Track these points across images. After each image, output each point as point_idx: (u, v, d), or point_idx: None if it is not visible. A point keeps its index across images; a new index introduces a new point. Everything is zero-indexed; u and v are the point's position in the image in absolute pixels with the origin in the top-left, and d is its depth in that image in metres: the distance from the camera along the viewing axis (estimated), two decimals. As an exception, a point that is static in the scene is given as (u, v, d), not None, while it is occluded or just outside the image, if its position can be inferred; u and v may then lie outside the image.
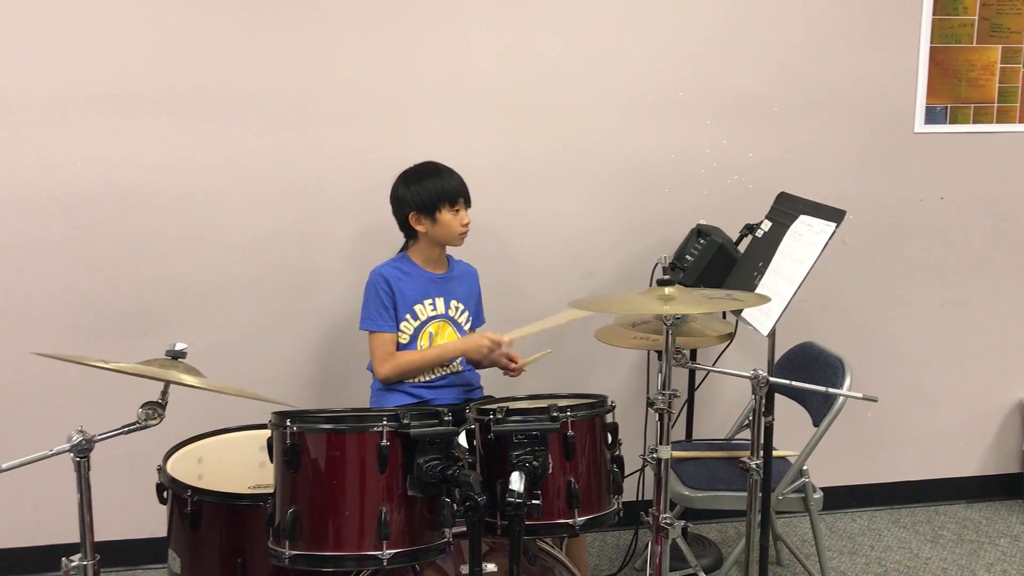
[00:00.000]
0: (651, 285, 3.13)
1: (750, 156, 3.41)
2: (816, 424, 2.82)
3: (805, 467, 2.84)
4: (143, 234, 3.07)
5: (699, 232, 3.11)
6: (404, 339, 2.74)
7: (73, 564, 1.85)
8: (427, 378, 2.77)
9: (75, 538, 1.87)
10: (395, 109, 3.15)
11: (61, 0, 2.91)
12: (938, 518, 3.69)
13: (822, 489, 2.90)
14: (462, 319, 2.83)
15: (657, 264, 3.10)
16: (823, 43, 3.39)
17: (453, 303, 2.81)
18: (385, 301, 2.71)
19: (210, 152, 3.06)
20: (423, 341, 2.76)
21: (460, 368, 2.83)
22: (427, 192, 2.70)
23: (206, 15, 3.00)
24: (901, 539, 3.51)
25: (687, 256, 3.07)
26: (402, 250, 2.84)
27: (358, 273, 3.08)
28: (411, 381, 2.76)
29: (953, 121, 3.52)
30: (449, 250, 2.86)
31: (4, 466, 1.78)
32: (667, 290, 2.22)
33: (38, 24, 2.91)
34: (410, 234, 2.79)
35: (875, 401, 2.26)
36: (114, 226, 3.05)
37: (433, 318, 2.76)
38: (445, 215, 2.71)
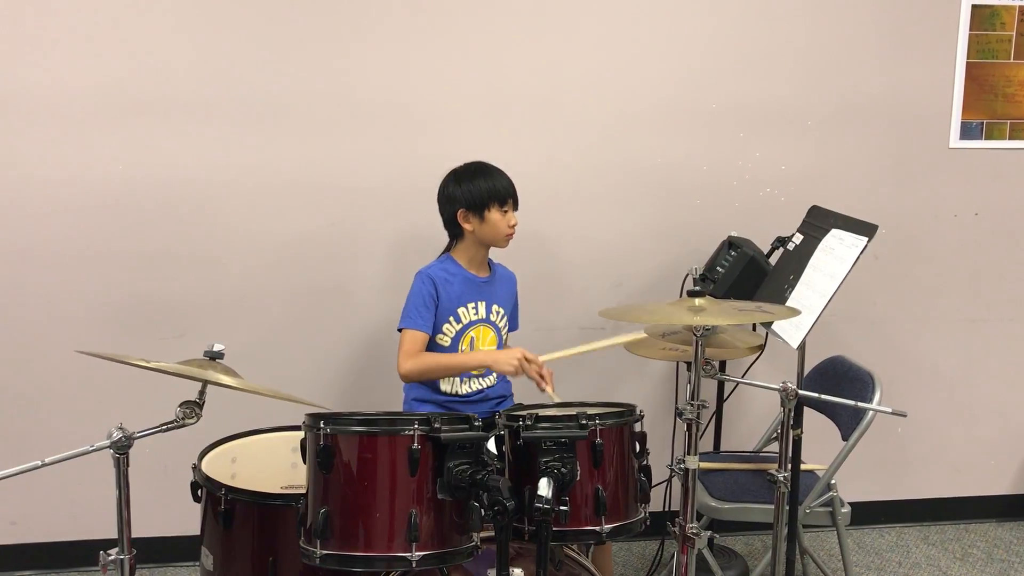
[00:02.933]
0: (681, 296, 3.14)
1: (783, 169, 3.41)
2: (845, 438, 2.81)
3: (833, 481, 2.83)
4: (181, 236, 3.13)
5: (730, 244, 3.12)
6: (446, 342, 2.72)
7: (111, 558, 1.89)
8: (463, 390, 2.78)
9: (112, 534, 1.90)
10: (430, 117, 3.19)
11: (103, 7, 2.98)
12: (968, 536, 3.66)
13: (850, 504, 2.89)
14: (502, 323, 2.83)
15: (688, 275, 3.11)
16: (859, 57, 3.39)
17: (495, 307, 2.80)
18: (428, 303, 2.68)
19: (247, 156, 3.12)
20: (464, 345, 2.75)
21: (495, 381, 2.84)
22: (478, 190, 2.69)
23: (244, 23, 3.05)
24: (929, 556, 3.49)
25: (718, 267, 3.08)
26: (445, 251, 2.82)
27: (393, 277, 3.12)
28: (446, 392, 2.76)
29: (989, 137, 3.51)
30: (490, 253, 2.86)
31: (47, 460, 1.82)
32: (697, 301, 2.22)
33: (79, 30, 2.98)
34: (456, 232, 2.77)
35: (905, 416, 2.25)
36: (153, 229, 3.11)
37: (475, 322, 2.76)
38: (494, 215, 2.69)
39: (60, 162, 3.03)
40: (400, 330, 2.71)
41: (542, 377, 2.72)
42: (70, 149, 3.03)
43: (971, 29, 3.42)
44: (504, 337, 2.85)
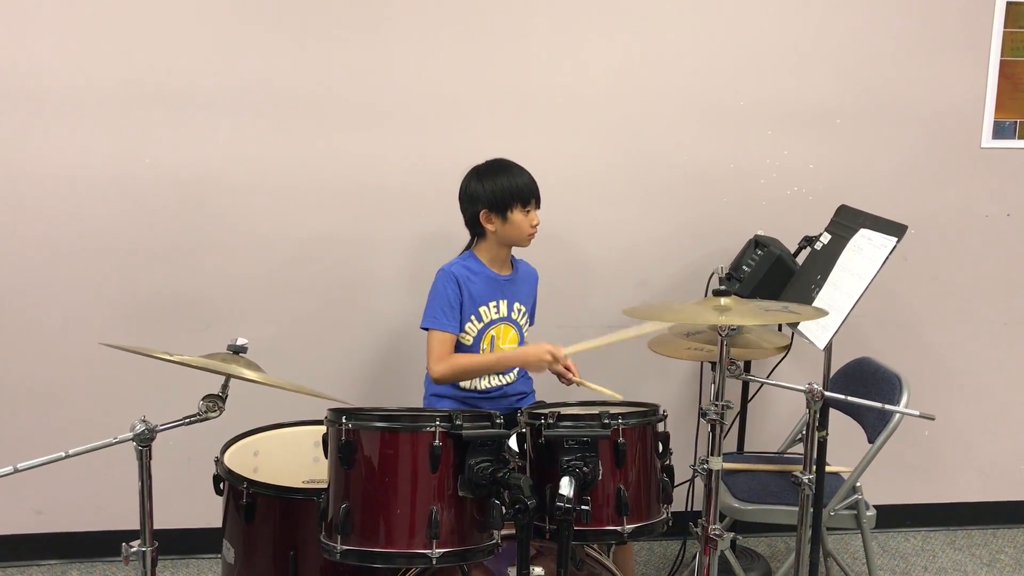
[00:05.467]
0: (707, 295, 3.12)
1: (811, 167, 3.38)
2: (871, 441, 2.78)
3: (858, 484, 2.80)
4: (206, 230, 3.14)
5: (757, 243, 3.09)
6: (468, 340, 2.72)
7: (133, 550, 1.91)
8: (482, 386, 2.77)
9: (134, 525, 1.92)
10: (457, 114, 3.18)
11: (129, 2, 2.99)
12: (995, 541, 3.61)
13: (875, 507, 2.86)
14: (523, 321, 2.83)
15: (713, 274, 3.08)
16: (889, 54, 3.34)
17: (516, 305, 2.80)
18: (452, 301, 2.66)
19: (273, 151, 3.12)
20: (485, 344, 2.74)
21: (515, 378, 2.83)
22: (500, 189, 2.65)
23: (273, 18, 3.06)
24: (956, 561, 3.44)
25: (744, 267, 3.06)
26: (467, 248, 2.81)
27: (416, 274, 3.12)
28: (465, 388, 2.76)
29: (1022, 137, 3.45)
30: (512, 250, 2.84)
31: (70, 452, 1.84)
32: (723, 300, 2.21)
33: (105, 26, 2.99)
34: (478, 231, 2.75)
35: (932, 419, 2.22)
36: (178, 222, 3.12)
37: (496, 321, 2.75)
38: (516, 215, 2.67)
39: (86, 158, 3.05)
40: (425, 329, 2.70)
41: (568, 369, 2.73)
42: (96, 145, 3.05)
43: (1005, 27, 3.36)
44: (525, 333, 2.85)
